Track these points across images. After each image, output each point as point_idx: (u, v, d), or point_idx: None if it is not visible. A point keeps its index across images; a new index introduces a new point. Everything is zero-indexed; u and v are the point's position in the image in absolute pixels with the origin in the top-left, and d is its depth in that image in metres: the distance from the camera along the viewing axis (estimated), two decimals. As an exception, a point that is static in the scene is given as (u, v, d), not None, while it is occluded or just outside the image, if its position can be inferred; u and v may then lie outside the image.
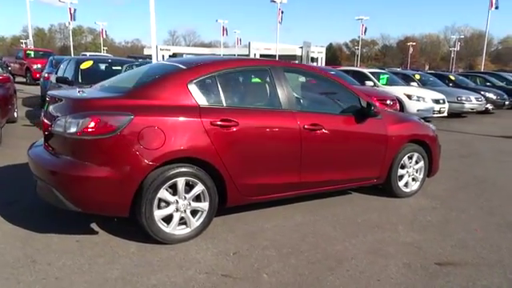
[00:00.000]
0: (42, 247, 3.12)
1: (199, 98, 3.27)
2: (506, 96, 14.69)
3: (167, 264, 2.94)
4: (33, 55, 20.73)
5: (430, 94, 11.31)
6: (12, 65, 20.10)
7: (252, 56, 58.69)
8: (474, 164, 6.59)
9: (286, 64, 3.98)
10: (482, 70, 31.50)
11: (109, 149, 2.91)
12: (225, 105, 3.38)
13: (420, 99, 11.00)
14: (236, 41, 60.28)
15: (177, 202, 3.18)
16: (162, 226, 3.15)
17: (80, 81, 7.19)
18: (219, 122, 3.25)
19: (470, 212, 4.29)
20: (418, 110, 10.68)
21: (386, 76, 12.31)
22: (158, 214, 3.12)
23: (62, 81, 7.28)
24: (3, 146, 6.37)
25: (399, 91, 11.16)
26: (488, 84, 16.69)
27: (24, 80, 19.34)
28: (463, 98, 12.43)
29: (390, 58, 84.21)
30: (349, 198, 4.54)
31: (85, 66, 7.48)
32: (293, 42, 54.62)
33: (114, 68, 8.06)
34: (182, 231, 3.26)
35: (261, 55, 58.91)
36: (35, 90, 15.44)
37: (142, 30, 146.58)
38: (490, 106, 13.76)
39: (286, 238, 3.46)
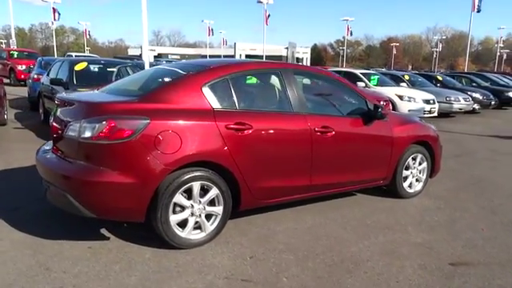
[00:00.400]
0: (54, 254, 3.05)
1: (213, 101, 3.24)
2: (491, 96, 15.01)
3: (185, 269, 2.90)
4: (16, 56, 20.27)
5: (420, 95, 11.48)
6: (-6, 65, 19.64)
7: (237, 57, 58.71)
8: (469, 163, 6.71)
9: (296, 66, 3.99)
10: (465, 71, 32.21)
11: (125, 153, 2.86)
12: (238, 108, 3.37)
13: (411, 100, 11.16)
14: (222, 41, 60.22)
15: (192, 206, 3.15)
16: (178, 230, 3.12)
17: (75, 82, 7.06)
18: (234, 126, 3.23)
19: (473, 211, 4.36)
20: (409, 111, 10.83)
21: (376, 77, 12.45)
22: (174, 218, 3.08)
23: (56, 83, 7.15)
24: (-3, 150, 6.22)
25: (390, 92, 11.30)
26: (474, 84, 17.04)
27: (8, 81, 18.89)
28: (452, 99, 12.66)
29: (373, 58, 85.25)
30: (354, 200, 4.56)
31: (79, 67, 7.34)
32: (278, 43, 54.79)
33: (108, 69, 7.94)
34: (197, 236, 3.23)
35: (246, 56, 58.98)
36: (20, 91, 15.12)
37: (125, 30, 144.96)
38: (476, 106, 14.04)
39: (300, 240, 3.46)
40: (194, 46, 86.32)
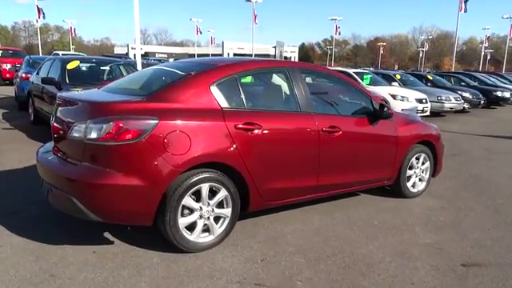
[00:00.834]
0: (57, 260, 2.93)
1: (221, 100, 3.16)
2: (480, 96, 15.19)
3: (196, 274, 2.82)
4: (1, 54, 19.78)
5: (413, 94, 11.55)
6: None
7: (225, 55, 58.53)
8: (466, 162, 6.75)
9: (303, 65, 3.93)
10: (452, 70, 32.61)
11: (133, 155, 2.76)
12: (246, 107, 3.29)
13: (404, 99, 11.22)
14: (210, 40, 59.92)
15: (201, 208, 3.06)
16: (186, 234, 3.03)
17: (67, 81, 6.87)
18: (243, 126, 3.15)
19: (477, 211, 4.36)
20: (402, 110, 10.86)
21: (369, 76, 12.49)
22: (182, 221, 2.99)
23: (47, 82, 6.95)
24: (-13, 151, 6.03)
25: (383, 91, 11.33)
26: (462, 84, 17.24)
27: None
28: (443, 98, 12.77)
29: (360, 57, 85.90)
30: (358, 200, 4.53)
31: (71, 65, 7.15)
32: (265, 42, 54.84)
33: (101, 68, 7.76)
34: (206, 239, 3.14)
35: (234, 54, 58.85)
36: (6, 91, 14.79)
37: (111, 29, 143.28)
38: (466, 105, 14.19)
39: (309, 242, 3.40)
40: (181, 44, 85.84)
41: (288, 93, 3.63)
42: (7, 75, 17.34)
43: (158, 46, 75.23)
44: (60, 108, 3.25)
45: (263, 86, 3.79)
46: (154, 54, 55.55)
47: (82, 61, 7.89)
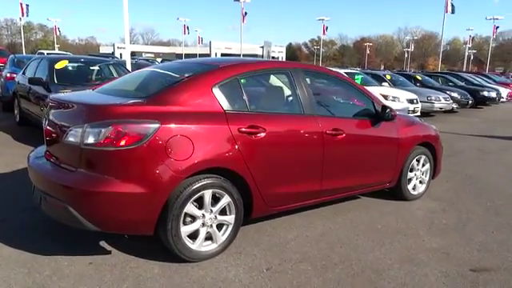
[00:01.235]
0: (51, 272, 2.76)
1: (224, 102, 3.03)
2: (468, 96, 15.34)
3: (201, 285, 2.68)
4: (-18, 53, 19.23)
5: (404, 94, 11.57)
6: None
7: (213, 55, 58.22)
8: (462, 163, 6.74)
9: (305, 66, 3.83)
10: (436, 70, 32.99)
11: (134, 161, 2.61)
12: (249, 110, 3.17)
13: (395, 99, 11.22)
14: (197, 40, 59.54)
15: (203, 216, 2.93)
16: (188, 242, 2.89)
17: (55, 81, 6.64)
18: (247, 129, 3.03)
19: (478, 213, 4.32)
20: (394, 110, 10.86)
21: (360, 76, 12.47)
22: (184, 230, 2.85)
23: (35, 82, 6.71)
24: (-28, 155, 5.78)
25: (375, 92, 11.28)
26: (450, 84, 17.39)
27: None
28: (433, 98, 12.83)
29: (347, 57, 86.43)
30: (359, 203, 4.44)
31: (60, 65, 6.91)
32: (252, 42, 54.73)
33: (90, 68, 7.53)
34: (208, 247, 3.01)
35: (221, 55, 58.55)
36: (-10, 91, 14.33)
37: (96, 28, 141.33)
38: (454, 105, 14.30)
39: (314, 249, 3.29)
40: (167, 44, 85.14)
41: (291, 94, 3.52)
42: (-11, 75, 16.87)
43: (144, 46, 74.44)
44: (53, 110, 3.07)
45: (266, 88, 3.67)
46: (140, 53, 54.90)
47: (71, 60, 7.64)
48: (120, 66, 8.58)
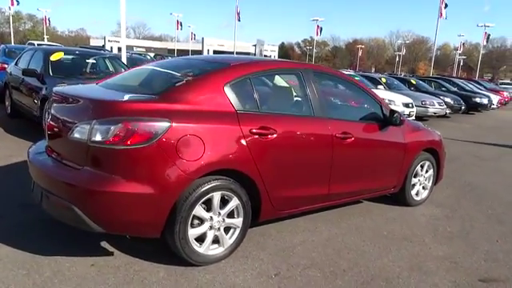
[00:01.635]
0: (52, 274, 2.65)
1: (235, 102, 2.93)
2: (461, 101, 15.46)
3: (208, 291, 2.60)
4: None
5: (400, 98, 11.59)
6: None
7: (205, 52, 57.89)
8: (459, 169, 6.75)
9: (315, 67, 3.76)
10: (426, 75, 33.25)
11: (143, 160, 2.51)
12: (260, 110, 3.08)
13: (391, 103, 11.21)
14: (190, 36, 59.10)
15: (211, 218, 2.84)
16: (196, 246, 2.80)
17: (51, 74, 6.46)
18: (258, 130, 2.94)
19: (481, 221, 4.30)
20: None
21: (356, 79, 12.44)
22: (192, 233, 2.76)
23: (29, 73, 6.52)
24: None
25: (371, 94, 11.30)
26: (443, 89, 17.51)
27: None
28: (427, 103, 12.89)
29: (339, 59, 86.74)
30: (362, 208, 4.39)
31: (55, 57, 6.72)
32: (245, 40, 54.55)
33: (86, 60, 7.34)
34: (215, 251, 2.92)
35: (214, 51, 58.23)
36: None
37: (87, 19, 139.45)
38: (447, 111, 14.39)
39: (321, 254, 3.22)
40: (159, 39, 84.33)
41: (301, 96, 3.44)
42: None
43: (136, 40, 73.56)
44: (56, 104, 2.94)
45: (276, 88, 3.58)
46: (131, 47, 54.23)
47: (66, 52, 7.45)
48: (116, 59, 8.41)
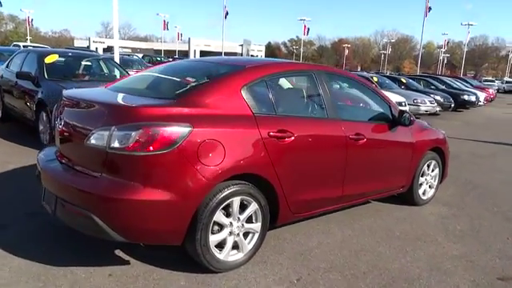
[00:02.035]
0: (69, 286, 2.56)
1: (252, 105, 2.88)
2: (451, 99, 15.67)
3: (233, 299, 2.54)
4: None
5: (393, 97, 11.63)
6: None
7: (192, 52, 57.49)
8: (459, 167, 6.79)
9: (327, 68, 3.73)
10: (411, 73, 33.66)
11: (165, 166, 2.44)
12: (277, 113, 3.03)
13: (385, 101, 11.29)
14: (177, 36, 58.67)
15: (231, 224, 2.78)
16: (216, 253, 2.74)
17: (46, 76, 6.30)
18: (276, 133, 2.90)
19: (489, 219, 4.33)
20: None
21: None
22: (213, 239, 2.70)
23: (24, 76, 6.35)
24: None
25: (365, 93, 11.36)
26: (432, 87, 17.73)
27: None
28: (419, 101, 13.03)
29: (325, 58, 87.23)
30: (370, 208, 4.37)
31: (50, 59, 6.56)
32: (231, 40, 54.37)
33: (82, 63, 7.18)
34: (235, 257, 2.87)
35: (201, 51, 57.91)
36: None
37: (70, 20, 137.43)
38: (437, 108, 14.57)
39: (340, 257, 3.20)
40: (145, 39, 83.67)
41: (316, 97, 3.40)
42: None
43: (121, 41, 72.79)
44: (68, 109, 2.85)
45: (291, 90, 3.53)
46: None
47: (59, 54, 7.27)
48: (110, 60, 8.26)
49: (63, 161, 2.86)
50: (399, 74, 32.49)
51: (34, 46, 20.01)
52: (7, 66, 7.64)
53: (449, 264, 3.21)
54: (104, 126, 2.45)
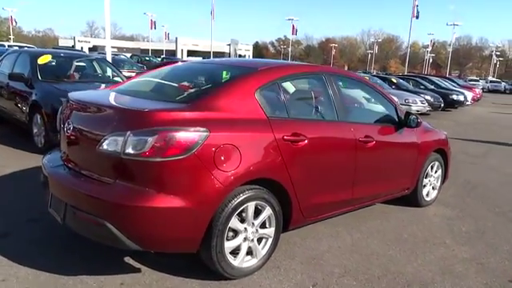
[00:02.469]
0: (81, 296, 2.47)
1: (267, 108, 2.83)
2: (440, 99, 15.84)
3: (251, 307, 2.49)
4: None
5: (386, 97, 11.72)
6: None
7: (179, 52, 57.08)
8: (456, 167, 6.79)
9: (336, 70, 3.71)
10: (397, 73, 33.99)
11: (182, 172, 2.37)
12: (289, 116, 2.99)
13: (378, 102, 11.35)
14: (164, 35, 58.21)
15: (245, 230, 2.73)
16: (231, 259, 2.68)
17: (39, 78, 6.14)
18: (290, 137, 2.85)
19: (492, 220, 4.36)
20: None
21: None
22: (228, 246, 2.64)
23: (16, 78, 6.19)
24: None
25: (358, 94, 11.38)
26: (421, 87, 17.91)
27: None
28: (410, 101, 13.14)
29: (313, 57, 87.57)
30: (374, 210, 4.35)
31: (43, 60, 6.40)
32: (219, 39, 54.18)
33: (74, 63, 7.01)
34: (249, 263, 2.81)
35: (188, 51, 57.58)
36: None
37: (54, 19, 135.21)
38: (428, 108, 14.71)
39: (352, 261, 3.17)
40: (131, 39, 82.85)
41: (326, 100, 3.37)
42: None
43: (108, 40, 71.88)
44: (76, 113, 2.75)
45: (302, 93, 3.50)
46: (103, 47, 52.94)
47: (55, 55, 7.12)
48: (103, 61, 8.12)
49: (70, 165, 2.77)
50: (386, 74, 32.80)
51: (19, 46, 19.58)
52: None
53: (460, 267, 3.21)
54: (118, 131, 2.37)
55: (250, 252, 2.82)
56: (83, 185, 2.52)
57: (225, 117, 2.59)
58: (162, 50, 53.68)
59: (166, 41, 57.73)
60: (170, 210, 2.35)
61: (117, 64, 11.87)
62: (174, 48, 57.66)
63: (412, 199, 4.48)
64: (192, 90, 2.92)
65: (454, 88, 20.32)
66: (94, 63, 7.76)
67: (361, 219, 4.04)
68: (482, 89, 37.90)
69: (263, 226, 2.85)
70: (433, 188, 4.68)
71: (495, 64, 74.69)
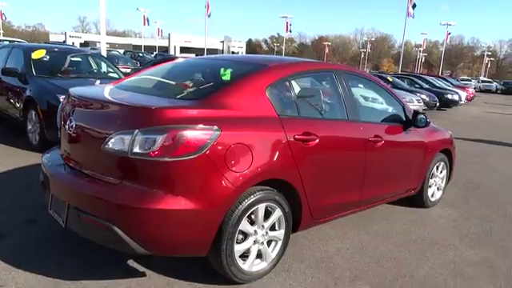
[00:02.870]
0: (84, 302, 2.35)
1: (277, 106, 2.73)
2: (436, 98, 15.86)
3: (262, 313, 2.39)
4: None
5: (383, 96, 11.68)
6: None
7: (172, 48, 56.66)
8: (457, 167, 6.66)
9: (346, 68, 3.61)
10: (390, 72, 34.08)
11: (192, 172, 2.26)
12: (300, 115, 2.89)
13: (375, 101, 11.29)
14: (157, 31, 57.76)
15: (255, 232, 2.63)
16: (240, 263, 2.58)
17: (34, 73, 5.96)
18: (301, 136, 2.75)
19: (498, 221, 4.31)
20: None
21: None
22: (238, 249, 2.54)
23: (10, 73, 6.01)
24: None
25: (356, 93, 11.32)
26: (417, 86, 17.92)
27: None
28: (407, 100, 13.06)
29: (306, 55, 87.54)
30: (379, 211, 4.27)
31: (37, 55, 6.22)
32: (212, 36, 53.83)
33: (69, 58, 6.83)
34: (258, 267, 2.71)
35: (181, 48, 57.14)
36: None
37: (45, 14, 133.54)
38: (423, 107, 14.70)
39: (362, 264, 3.09)
40: (123, 34, 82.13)
41: (337, 98, 3.27)
42: None
43: (98, 36, 71.21)
44: (79, 109, 2.62)
45: (313, 90, 3.40)
46: (94, 43, 52.28)
47: (49, 50, 6.93)
48: (99, 56, 7.94)
49: (71, 164, 2.64)
50: (379, 72, 32.84)
51: (10, 41, 19.19)
52: (-10, 61, 7.22)
53: (471, 270, 3.14)
54: (125, 129, 2.25)
55: (259, 255, 2.72)
56: (87, 186, 2.40)
57: (236, 115, 2.48)
58: (155, 47, 53.27)
59: (159, 37, 57.29)
60: (180, 212, 2.24)
61: (111, 60, 11.69)
62: (167, 44, 57.15)
63: (417, 200, 4.41)
64: (201, 87, 2.80)
65: (448, 87, 20.37)
66: (90, 58, 7.58)
67: (367, 220, 3.96)
68: (474, 88, 38.19)
69: (273, 228, 2.75)
70: (438, 188, 4.62)
71: (487, 64, 75.27)
